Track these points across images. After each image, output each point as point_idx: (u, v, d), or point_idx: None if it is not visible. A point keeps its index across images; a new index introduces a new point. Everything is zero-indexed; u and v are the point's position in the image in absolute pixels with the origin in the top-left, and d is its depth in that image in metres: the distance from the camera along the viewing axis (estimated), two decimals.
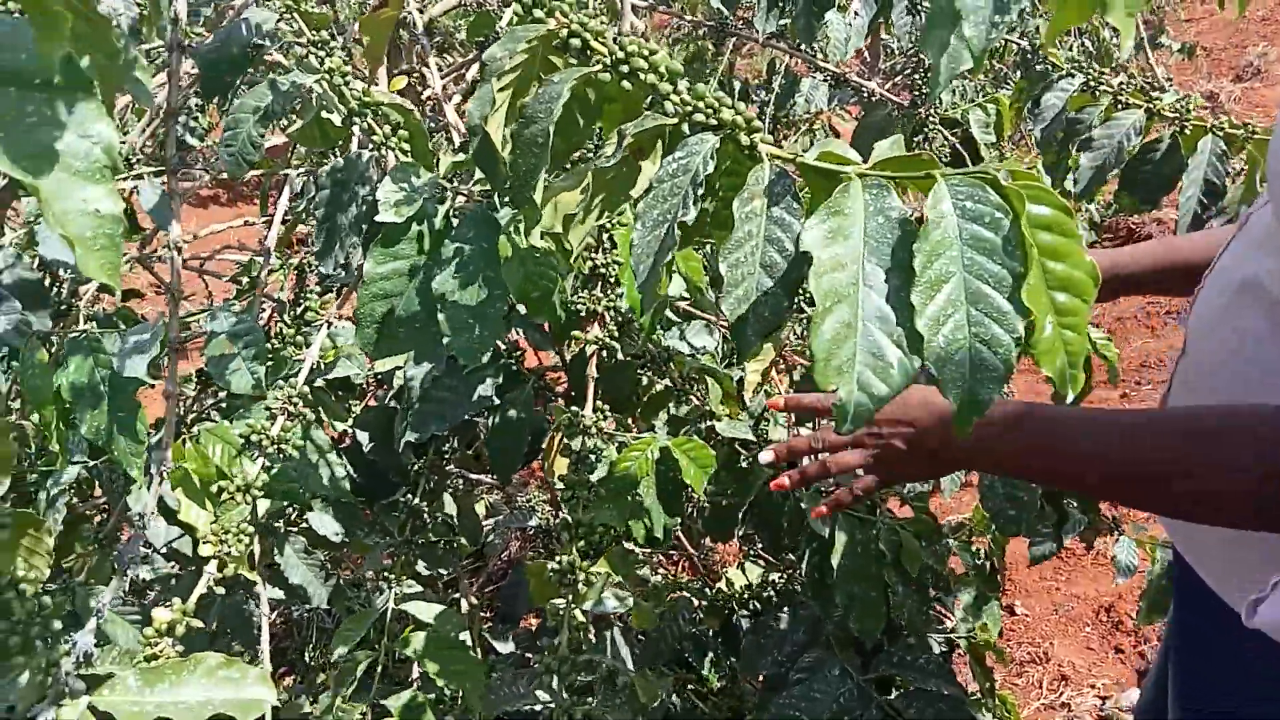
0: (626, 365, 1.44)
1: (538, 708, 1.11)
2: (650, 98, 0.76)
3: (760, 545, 1.61)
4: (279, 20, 1.24)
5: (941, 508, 2.74)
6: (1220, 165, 1.51)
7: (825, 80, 2.64)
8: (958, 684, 1.26)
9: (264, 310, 1.72)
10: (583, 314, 1.22)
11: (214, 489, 1.12)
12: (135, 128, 1.82)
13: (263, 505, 1.26)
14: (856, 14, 2.10)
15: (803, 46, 2.20)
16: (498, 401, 1.40)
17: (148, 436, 1.28)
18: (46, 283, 1.63)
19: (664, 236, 0.70)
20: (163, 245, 1.81)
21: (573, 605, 1.06)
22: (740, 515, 1.34)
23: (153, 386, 1.60)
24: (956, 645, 1.60)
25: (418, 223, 0.99)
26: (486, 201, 1.01)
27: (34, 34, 0.52)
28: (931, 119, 2.01)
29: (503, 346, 1.42)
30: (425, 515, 1.50)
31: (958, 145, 2.10)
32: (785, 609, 1.37)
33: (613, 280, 1.26)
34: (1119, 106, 1.59)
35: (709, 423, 1.40)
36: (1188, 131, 1.54)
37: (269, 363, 1.50)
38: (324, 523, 1.48)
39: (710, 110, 0.72)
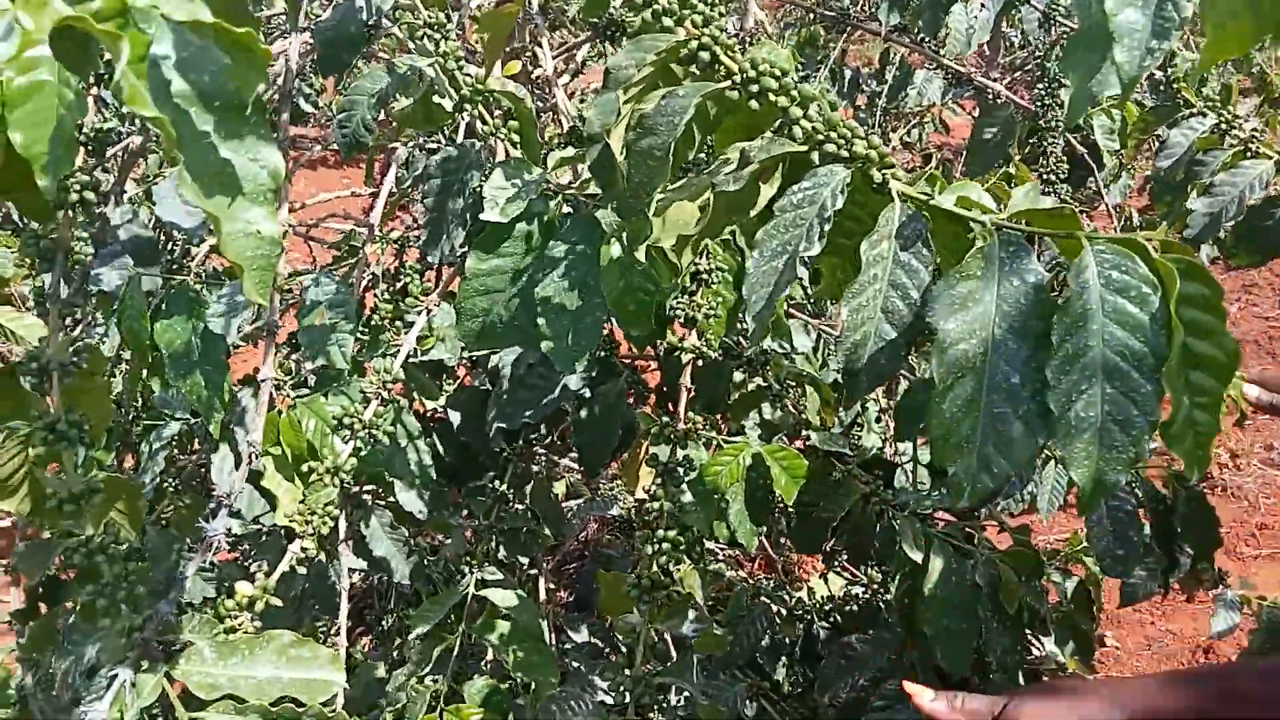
0: (721, 364, 1.40)
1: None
2: (779, 121, 0.72)
3: (845, 557, 1.57)
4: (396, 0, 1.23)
5: (1035, 526, 2.65)
6: None
7: (940, 74, 2.55)
8: None
9: (362, 281, 1.74)
10: (681, 320, 1.18)
11: (304, 468, 1.13)
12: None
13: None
14: (983, 6, 2.01)
15: (924, 40, 2.12)
16: (589, 394, 1.39)
17: (232, 392, 1.29)
18: (160, 242, 1.67)
19: (783, 269, 0.67)
20: None
21: (650, 625, 1.03)
22: (831, 529, 1.31)
23: (238, 348, 1.62)
24: (1044, 677, 1.54)
25: (524, 222, 0.97)
26: (592, 203, 0.98)
27: (230, 64, 0.52)
28: (1054, 123, 1.91)
29: None
30: (510, 502, 1.50)
31: (1078, 147, 2.00)
32: (869, 629, 1.33)
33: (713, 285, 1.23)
34: (1246, 155, 1.50)
35: (804, 432, 1.36)
36: None
37: (365, 337, 1.52)
38: (409, 500, 1.49)
39: (843, 141, 0.68)
